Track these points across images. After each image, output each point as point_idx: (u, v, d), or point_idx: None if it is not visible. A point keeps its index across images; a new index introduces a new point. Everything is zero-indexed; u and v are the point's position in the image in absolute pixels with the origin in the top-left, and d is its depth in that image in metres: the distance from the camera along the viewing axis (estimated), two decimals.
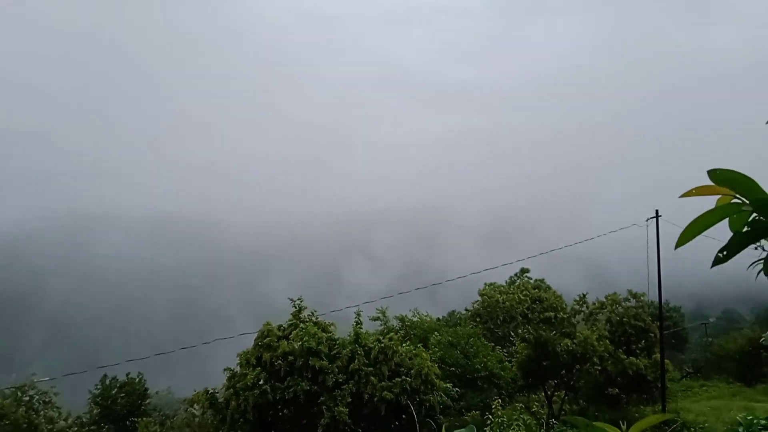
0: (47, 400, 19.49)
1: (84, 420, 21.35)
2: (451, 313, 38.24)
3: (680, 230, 1.43)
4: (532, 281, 28.24)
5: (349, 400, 15.55)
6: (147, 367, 24.53)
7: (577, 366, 22.56)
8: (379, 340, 17.17)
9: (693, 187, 1.41)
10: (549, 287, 27.26)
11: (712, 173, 1.35)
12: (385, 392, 15.78)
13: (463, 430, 1.66)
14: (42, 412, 19.35)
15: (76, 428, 20.07)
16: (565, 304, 24.44)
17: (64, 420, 19.93)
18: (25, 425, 18.17)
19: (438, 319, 30.64)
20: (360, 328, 17.61)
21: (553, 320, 23.10)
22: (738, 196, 1.32)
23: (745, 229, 1.35)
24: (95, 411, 22.26)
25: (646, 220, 24.25)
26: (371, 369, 16.17)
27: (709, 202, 1.37)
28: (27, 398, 19.19)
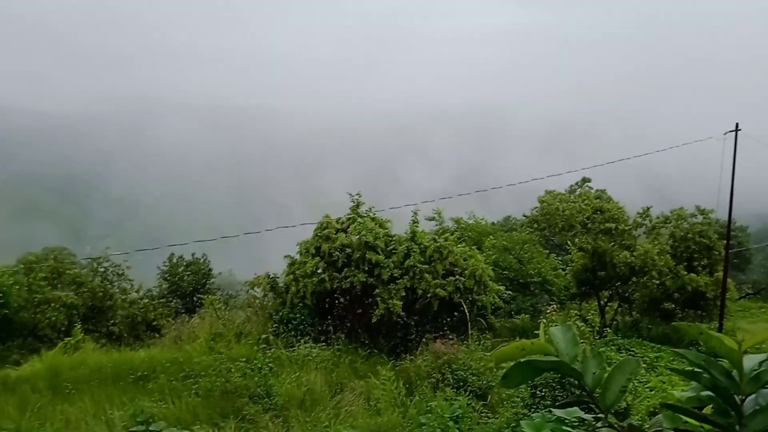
0: (120, 272, 20.85)
1: (154, 293, 22.82)
2: (507, 219, 38.09)
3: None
4: (593, 191, 27.57)
5: (403, 294, 15.97)
6: (209, 249, 25.73)
7: (634, 278, 22.36)
8: (434, 239, 17.33)
9: None
10: (611, 198, 26.54)
11: None
12: (439, 289, 16.09)
13: (560, 326, 1.57)
14: (116, 283, 20.78)
15: (146, 300, 21.50)
16: (627, 216, 23.85)
17: (135, 292, 21.38)
18: (101, 294, 19.62)
19: (492, 223, 30.56)
20: (417, 226, 17.74)
21: (613, 231, 22.60)
22: None
23: None
24: (164, 286, 23.71)
25: (724, 134, 22.99)
26: (426, 266, 16.43)
27: None
28: (102, 269, 20.59)
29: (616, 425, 1.43)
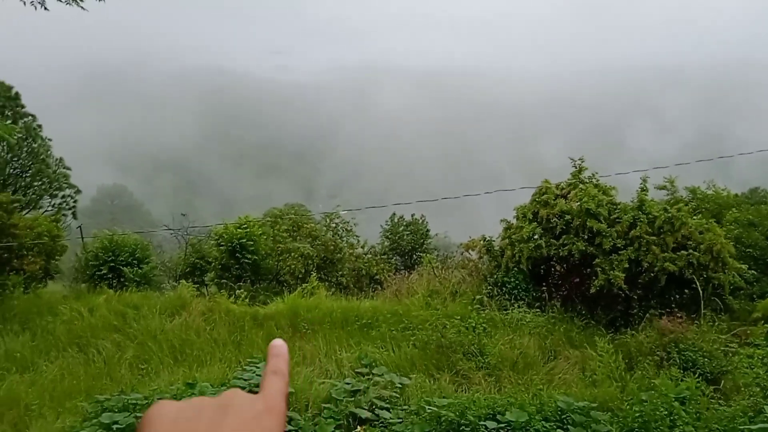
0: (348, 228, 22.79)
1: (376, 249, 24.53)
2: (753, 190, 33.56)
3: None
4: None
5: (626, 266, 15.04)
6: (426, 211, 26.75)
7: None
8: (665, 209, 15.95)
9: None
10: None
11: None
12: (668, 263, 14.86)
13: None
14: (344, 238, 22.76)
15: (370, 255, 23.20)
16: None
17: (361, 247, 23.21)
18: (332, 247, 21.67)
19: (735, 195, 27.17)
20: (645, 194, 16.50)
21: None
22: None
23: None
24: (385, 243, 25.33)
25: None
26: (654, 238, 15.24)
27: None
28: (333, 225, 22.70)
29: None
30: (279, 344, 0.87)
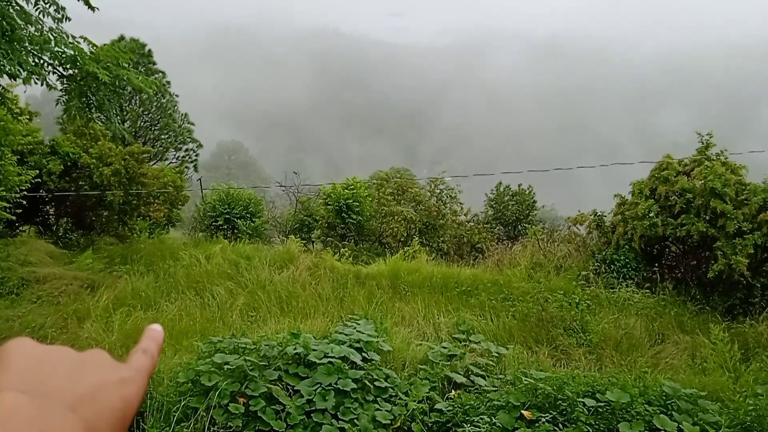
0: (453, 195, 22.67)
1: (480, 218, 24.27)
2: None
3: None
4: None
5: (751, 251, 13.93)
6: (534, 181, 26.05)
7: None
8: None
9: None
10: None
11: None
12: None
13: None
14: (448, 204, 22.69)
15: (472, 223, 23.01)
16: None
17: (464, 215, 23.04)
18: (435, 212, 21.69)
19: None
20: None
21: None
22: None
23: None
24: (489, 212, 24.98)
25: None
26: None
27: None
28: (438, 191, 22.67)
29: None
30: (155, 328, 0.84)
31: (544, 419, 6.62)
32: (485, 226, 23.42)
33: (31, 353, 0.66)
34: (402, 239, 20.68)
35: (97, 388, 0.64)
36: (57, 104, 10.16)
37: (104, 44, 10.54)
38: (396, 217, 21.26)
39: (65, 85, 9.80)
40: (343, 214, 21.46)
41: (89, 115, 10.34)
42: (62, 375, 0.64)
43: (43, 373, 0.63)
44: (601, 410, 6.77)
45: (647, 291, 14.22)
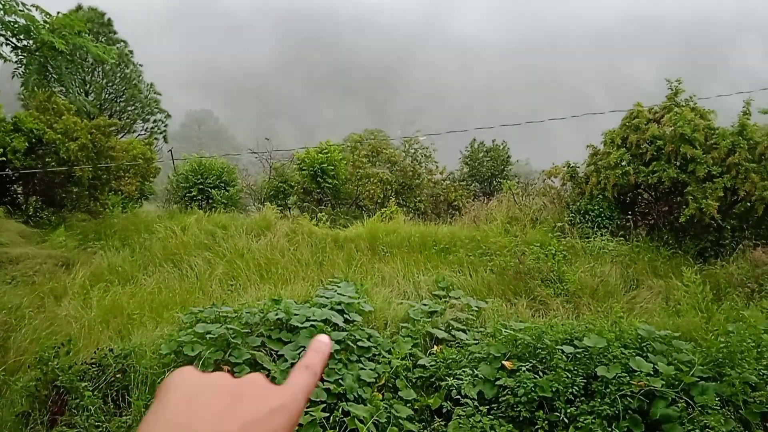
0: (427, 154, 22.65)
1: (455, 176, 24.33)
2: None
3: None
4: None
5: (721, 194, 14.22)
6: (508, 136, 26.09)
7: None
8: None
9: None
10: None
11: None
12: (767, 192, 13.95)
13: None
14: (423, 164, 22.68)
15: (448, 181, 23.07)
16: None
17: (440, 173, 23.07)
18: (411, 172, 21.69)
19: None
20: (747, 118, 15.29)
21: None
22: None
23: None
24: (464, 169, 25.04)
25: None
26: (754, 165, 14.24)
27: None
28: (412, 151, 22.61)
29: None
30: (322, 339, 0.85)
31: (524, 368, 6.78)
32: (461, 183, 23.50)
33: (188, 388, 0.67)
34: (379, 201, 20.69)
35: (245, 426, 0.64)
36: (13, 77, 9.82)
37: (59, 12, 10.17)
38: (372, 179, 21.22)
39: (20, 57, 9.46)
40: (319, 179, 21.33)
41: (49, 88, 10.04)
42: (215, 411, 0.64)
43: (196, 411, 0.64)
44: (579, 356, 6.94)
45: (621, 239, 14.49)
